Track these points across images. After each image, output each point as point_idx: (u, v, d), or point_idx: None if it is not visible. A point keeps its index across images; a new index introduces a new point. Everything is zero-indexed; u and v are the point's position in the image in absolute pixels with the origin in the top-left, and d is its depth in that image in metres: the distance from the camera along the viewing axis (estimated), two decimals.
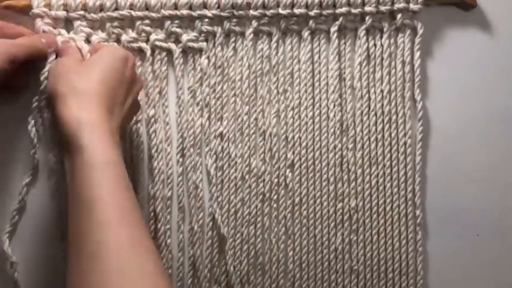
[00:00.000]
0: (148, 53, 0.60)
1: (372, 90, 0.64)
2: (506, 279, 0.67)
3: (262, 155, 0.63)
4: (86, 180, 0.46)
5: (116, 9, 0.59)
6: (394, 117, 0.64)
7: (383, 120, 0.64)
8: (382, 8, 0.62)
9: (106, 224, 0.45)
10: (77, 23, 0.59)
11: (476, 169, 0.66)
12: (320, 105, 0.63)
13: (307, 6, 0.61)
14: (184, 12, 0.60)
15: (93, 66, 0.53)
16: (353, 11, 0.62)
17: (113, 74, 0.52)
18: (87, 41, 0.59)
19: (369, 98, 0.64)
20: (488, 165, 0.66)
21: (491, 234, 0.67)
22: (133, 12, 0.59)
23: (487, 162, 0.66)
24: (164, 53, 0.61)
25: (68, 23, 0.59)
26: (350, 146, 0.63)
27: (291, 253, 0.63)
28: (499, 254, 0.67)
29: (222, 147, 0.62)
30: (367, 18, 0.62)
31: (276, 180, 0.63)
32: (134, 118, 0.60)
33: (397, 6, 0.62)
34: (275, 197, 0.63)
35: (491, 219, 0.67)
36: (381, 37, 0.63)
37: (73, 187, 0.47)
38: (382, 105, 0.64)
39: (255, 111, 0.63)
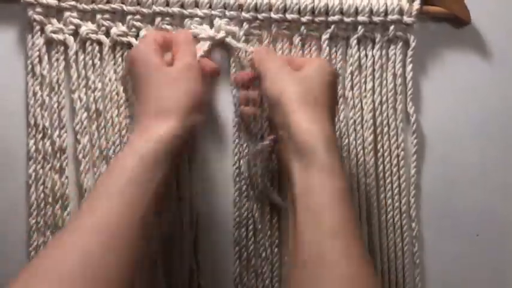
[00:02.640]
0: None
1: (364, 101, 0.63)
2: (506, 280, 0.66)
3: None
4: (328, 207, 0.47)
5: (108, 2, 0.59)
6: (386, 129, 0.63)
7: (375, 131, 0.63)
8: (375, 19, 0.62)
9: (351, 257, 0.45)
10: (66, 14, 0.59)
11: (472, 176, 0.66)
12: None
13: (299, 12, 0.61)
14: (176, 10, 0.60)
15: (314, 74, 0.54)
16: (345, 19, 0.62)
17: (331, 89, 0.54)
18: (76, 32, 0.59)
19: (361, 108, 0.63)
20: (484, 175, 0.66)
21: (491, 235, 0.66)
22: (124, 7, 0.59)
23: (482, 171, 0.66)
24: None
25: (59, 13, 0.59)
26: (343, 155, 0.62)
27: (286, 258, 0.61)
28: (499, 254, 0.66)
29: None
30: (359, 27, 0.62)
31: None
32: None
33: (390, 17, 0.62)
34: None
35: (491, 219, 0.66)
36: (373, 47, 0.63)
37: (310, 211, 0.47)
38: (374, 116, 0.63)
39: None
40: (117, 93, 0.60)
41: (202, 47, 0.59)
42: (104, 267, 0.42)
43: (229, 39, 0.60)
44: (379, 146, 0.63)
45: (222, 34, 0.60)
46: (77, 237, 0.43)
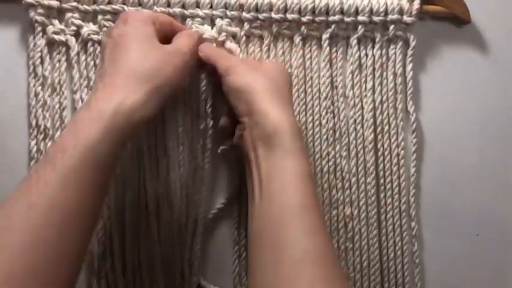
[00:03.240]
0: None
1: (364, 100, 0.63)
2: (506, 280, 0.66)
3: None
4: (293, 187, 0.48)
5: (109, 2, 0.59)
6: (386, 128, 0.63)
7: (375, 130, 0.63)
8: (375, 18, 0.62)
9: (314, 233, 0.46)
10: (68, 15, 0.59)
11: (472, 176, 0.66)
12: (312, 112, 0.62)
13: (300, 12, 0.61)
14: (177, 10, 0.60)
15: (276, 68, 0.56)
16: (346, 19, 0.62)
17: (290, 86, 0.56)
18: (77, 33, 0.59)
19: (362, 107, 0.63)
20: (483, 174, 0.66)
21: (490, 234, 0.66)
22: (126, 7, 0.59)
23: (481, 171, 0.66)
24: None
25: (60, 14, 0.59)
26: (344, 154, 0.62)
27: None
28: (499, 254, 0.66)
29: None
30: (359, 27, 0.62)
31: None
32: None
33: (390, 17, 0.62)
34: None
35: (491, 219, 0.66)
36: (373, 47, 0.63)
37: (275, 192, 0.48)
38: (375, 115, 0.63)
39: None
40: None
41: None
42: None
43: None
44: (379, 145, 0.63)
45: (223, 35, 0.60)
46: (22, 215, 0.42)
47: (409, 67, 0.63)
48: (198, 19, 0.61)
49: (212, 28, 0.61)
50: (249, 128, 0.52)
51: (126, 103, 0.46)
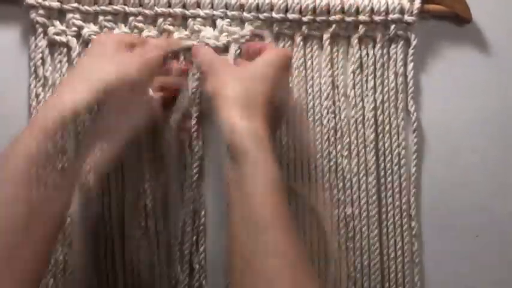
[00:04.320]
0: None
1: (365, 100, 0.63)
2: (506, 280, 0.66)
3: None
4: (259, 200, 0.46)
5: (110, 3, 0.59)
6: (387, 128, 0.63)
7: (376, 130, 0.63)
8: (376, 18, 0.62)
9: (276, 250, 0.45)
10: (69, 16, 0.59)
11: (472, 175, 0.66)
12: (313, 111, 0.62)
13: (300, 12, 0.61)
14: (178, 10, 0.60)
15: (257, 72, 0.52)
16: (347, 19, 0.62)
17: (277, 82, 0.53)
18: (78, 34, 0.59)
19: (363, 107, 0.63)
20: (484, 174, 0.66)
21: (491, 235, 0.66)
22: (127, 8, 0.59)
23: (482, 170, 0.66)
24: None
25: (61, 15, 0.59)
26: (345, 154, 0.62)
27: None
28: (499, 255, 0.66)
29: None
30: (360, 27, 0.62)
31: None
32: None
33: (391, 16, 0.62)
34: None
35: (491, 219, 0.66)
36: (374, 47, 0.63)
37: (243, 204, 0.47)
38: (375, 115, 0.63)
39: None
40: None
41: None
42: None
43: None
44: (380, 144, 0.63)
45: (224, 36, 0.60)
46: None
47: (410, 66, 0.63)
48: (199, 19, 0.61)
49: (214, 29, 0.61)
50: None
51: (57, 99, 0.47)
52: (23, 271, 0.44)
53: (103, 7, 0.59)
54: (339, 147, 0.62)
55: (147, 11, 0.60)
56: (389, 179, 0.63)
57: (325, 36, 0.62)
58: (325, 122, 0.62)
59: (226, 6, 0.61)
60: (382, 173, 0.63)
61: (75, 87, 0.48)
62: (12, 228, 0.43)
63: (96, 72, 0.49)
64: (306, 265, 0.47)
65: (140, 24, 0.60)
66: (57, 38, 0.59)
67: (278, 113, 0.54)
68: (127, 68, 0.50)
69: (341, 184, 0.62)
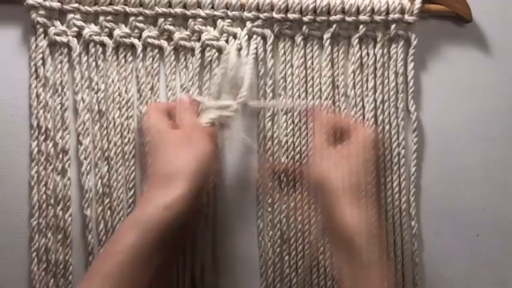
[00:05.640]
0: (140, 49, 0.60)
1: (366, 100, 0.63)
2: (506, 280, 0.66)
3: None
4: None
5: (111, 3, 0.59)
6: (387, 127, 0.63)
7: (376, 129, 0.63)
8: (377, 18, 0.62)
9: None
10: (69, 16, 0.59)
11: (472, 175, 0.66)
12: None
13: (301, 12, 0.61)
14: (178, 10, 0.60)
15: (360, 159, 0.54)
16: (347, 18, 0.62)
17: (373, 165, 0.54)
18: (79, 34, 0.59)
19: (363, 107, 0.63)
20: (484, 174, 0.66)
21: (491, 234, 0.66)
22: (127, 8, 0.59)
23: (482, 170, 0.66)
24: (156, 50, 0.61)
25: (62, 15, 0.59)
26: None
27: (286, 258, 0.62)
28: (499, 255, 0.66)
29: None
30: (361, 26, 0.62)
31: (271, 183, 0.62)
32: None
33: (391, 16, 0.62)
34: (270, 201, 0.62)
35: (491, 219, 0.66)
36: (374, 46, 0.63)
37: None
38: (376, 114, 0.63)
39: None
40: (120, 95, 0.60)
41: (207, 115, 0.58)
42: None
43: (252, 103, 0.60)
44: (380, 144, 0.63)
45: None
46: None
47: (410, 66, 0.63)
48: (200, 19, 0.61)
49: (214, 29, 0.61)
50: (329, 230, 0.54)
51: (159, 205, 0.48)
52: None
53: (103, 7, 0.59)
54: None
55: (147, 11, 0.60)
56: (389, 178, 0.63)
57: (326, 36, 0.62)
58: None
59: (227, 6, 0.61)
60: (382, 173, 0.63)
61: (169, 183, 0.49)
62: None
63: (183, 165, 0.50)
64: None
65: (141, 25, 0.60)
66: (58, 38, 0.59)
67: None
68: (204, 148, 0.52)
69: None
